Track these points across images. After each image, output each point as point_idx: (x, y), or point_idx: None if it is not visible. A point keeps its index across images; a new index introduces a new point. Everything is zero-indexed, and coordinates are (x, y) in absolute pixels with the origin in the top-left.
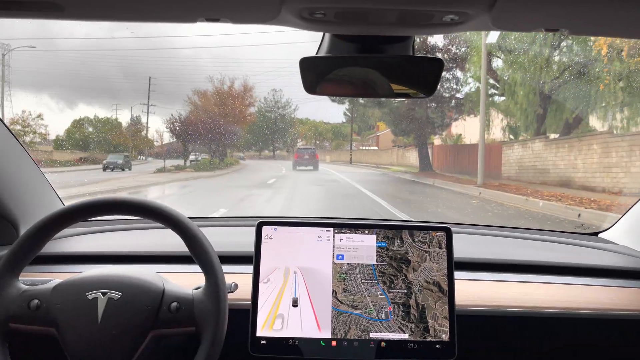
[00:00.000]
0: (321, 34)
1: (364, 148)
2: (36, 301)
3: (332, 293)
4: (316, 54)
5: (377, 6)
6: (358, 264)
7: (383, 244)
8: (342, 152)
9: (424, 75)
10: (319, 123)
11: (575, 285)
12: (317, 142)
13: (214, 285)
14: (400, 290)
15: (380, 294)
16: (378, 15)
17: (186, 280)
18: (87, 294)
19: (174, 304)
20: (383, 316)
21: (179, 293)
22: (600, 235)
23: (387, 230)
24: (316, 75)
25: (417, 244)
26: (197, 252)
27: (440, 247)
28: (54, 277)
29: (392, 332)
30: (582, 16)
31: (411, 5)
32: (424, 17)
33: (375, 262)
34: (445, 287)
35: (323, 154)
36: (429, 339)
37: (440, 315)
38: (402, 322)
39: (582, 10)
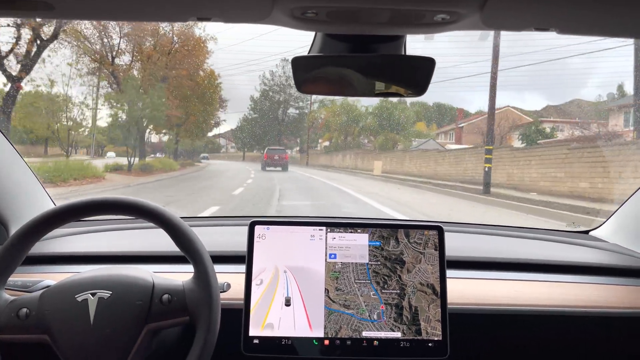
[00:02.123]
0: (313, 33)
1: (457, 147)
2: (25, 310)
3: (325, 292)
4: (308, 53)
5: (368, 5)
6: (352, 262)
7: (377, 243)
8: (408, 156)
9: (416, 74)
10: (352, 105)
11: (566, 283)
12: (349, 138)
13: (204, 272)
14: (393, 291)
15: (373, 294)
16: (369, 14)
17: (179, 280)
18: (76, 296)
19: (166, 296)
20: (375, 317)
21: (169, 285)
22: (590, 233)
23: (383, 230)
24: (308, 74)
25: (413, 244)
26: (183, 243)
27: (435, 249)
28: (46, 277)
29: (384, 332)
30: (572, 16)
31: (402, 5)
32: (415, 17)
33: (368, 262)
34: (439, 289)
35: (362, 160)
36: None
37: (433, 318)
38: (394, 323)
39: (572, 10)
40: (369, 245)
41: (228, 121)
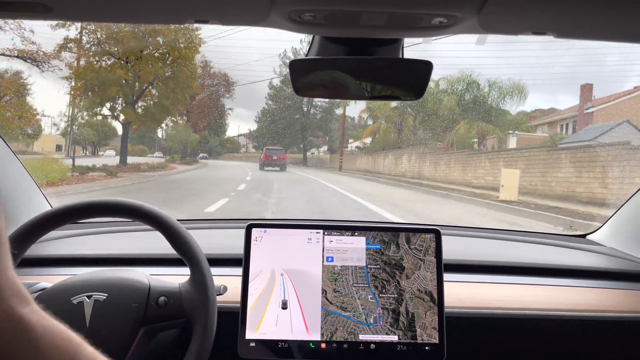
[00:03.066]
0: (311, 36)
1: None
2: None
3: (322, 292)
4: (306, 55)
5: (366, 9)
6: (351, 265)
7: (377, 247)
8: (565, 158)
9: (413, 77)
10: None
11: (563, 287)
12: (405, 130)
13: (200, 275)
14: (391, 296)
15: (371, 298)
16: (367, 17)
17: (176, 282)
18: (72, 298)
19: (162, 298)
20: (372, 321)
21: (165, 287)
22: (588, 237)
23: (384, 235)
24: (306, 77)
25: (413, 251)
26: (179, 245)
27: (435, 256)
28: (42, 280)
29: (380, 335)
30: (569, 20)
31: (400, 8)
32: (413, 20)
33: (367, 265)
34: (437, 297)
35: (436, 165)
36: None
37: (429, 325)
38: (391, 328)
39: (569, 14)
40: (368, 249)
41: (245, 117)
